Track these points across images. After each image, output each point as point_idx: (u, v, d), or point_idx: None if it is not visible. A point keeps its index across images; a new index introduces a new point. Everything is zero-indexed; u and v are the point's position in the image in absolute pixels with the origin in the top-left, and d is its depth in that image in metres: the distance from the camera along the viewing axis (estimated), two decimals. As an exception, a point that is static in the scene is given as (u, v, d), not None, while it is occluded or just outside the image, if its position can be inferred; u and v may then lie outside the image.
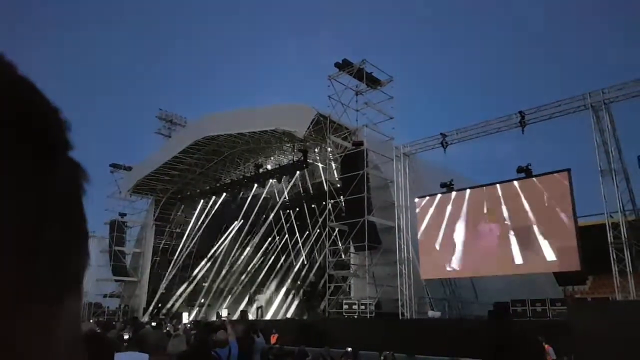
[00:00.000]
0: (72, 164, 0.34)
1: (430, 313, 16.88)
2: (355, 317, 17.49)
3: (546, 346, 10.81)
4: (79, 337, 0.35)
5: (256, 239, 29.02)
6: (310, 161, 25.01)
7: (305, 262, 26.78)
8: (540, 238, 14.59)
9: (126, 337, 7.55)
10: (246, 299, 28.46)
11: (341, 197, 19.93)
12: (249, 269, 29.64)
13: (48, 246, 0.30)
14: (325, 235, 20.50)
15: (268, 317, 25.09)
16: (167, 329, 15.99)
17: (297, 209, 27.57)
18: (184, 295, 30.51)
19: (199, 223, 31.92)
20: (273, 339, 15.39)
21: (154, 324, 20.88)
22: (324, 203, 21.62)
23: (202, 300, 30.57)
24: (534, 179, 15.20)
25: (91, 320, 22.66)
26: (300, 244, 26.89)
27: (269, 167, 28.96)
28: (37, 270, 0.30)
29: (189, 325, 19.43)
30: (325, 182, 22.30)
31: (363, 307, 17.56)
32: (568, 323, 10.60)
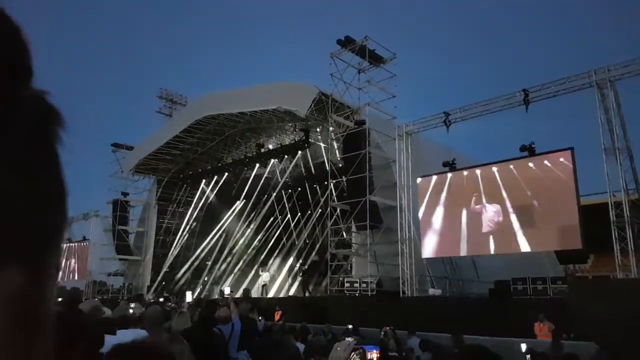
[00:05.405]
0: (43, 102, 0.27)
1: (431, 291, 17.04)
2: (357, 295, 17.68)
3: (546, 324, 10.93)
4: (51, 309, 0.29)
5: (258, 219, 29.14)
6: (312, 141, 24.90)
7: (307, 242, 26.93)
8: (541, 216, 14.60)
9: (131, 311, 7.63)
10: (249, 278, 28.74)
11: (343, 176, 19.91)
12: (251, 248, 29.85)
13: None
14: (327, 215, 20.56)
15: (271, 294, 25.36)
16: (171, 304, 16.20)
17: (299, 189, 27.58)
18: (187, 274, 30.81)
19: (201, 203, 32.04)
20: (277, 316, 15.56)
21: (161, 299, 21.12)
22: (325, 183, 21.58)
23: (205, 279, 30.89)
24: (536, 157, 15.12)
25: (96, 298, 22.97)
26: (302, 223, 26.99)
27: (270, 146, 28.89)
28: None
29: (190, 304, 19.66)
30: (327, 161, 22.21)
31: (364, 285, 17.73)
32: (568, 301, 10.71)
